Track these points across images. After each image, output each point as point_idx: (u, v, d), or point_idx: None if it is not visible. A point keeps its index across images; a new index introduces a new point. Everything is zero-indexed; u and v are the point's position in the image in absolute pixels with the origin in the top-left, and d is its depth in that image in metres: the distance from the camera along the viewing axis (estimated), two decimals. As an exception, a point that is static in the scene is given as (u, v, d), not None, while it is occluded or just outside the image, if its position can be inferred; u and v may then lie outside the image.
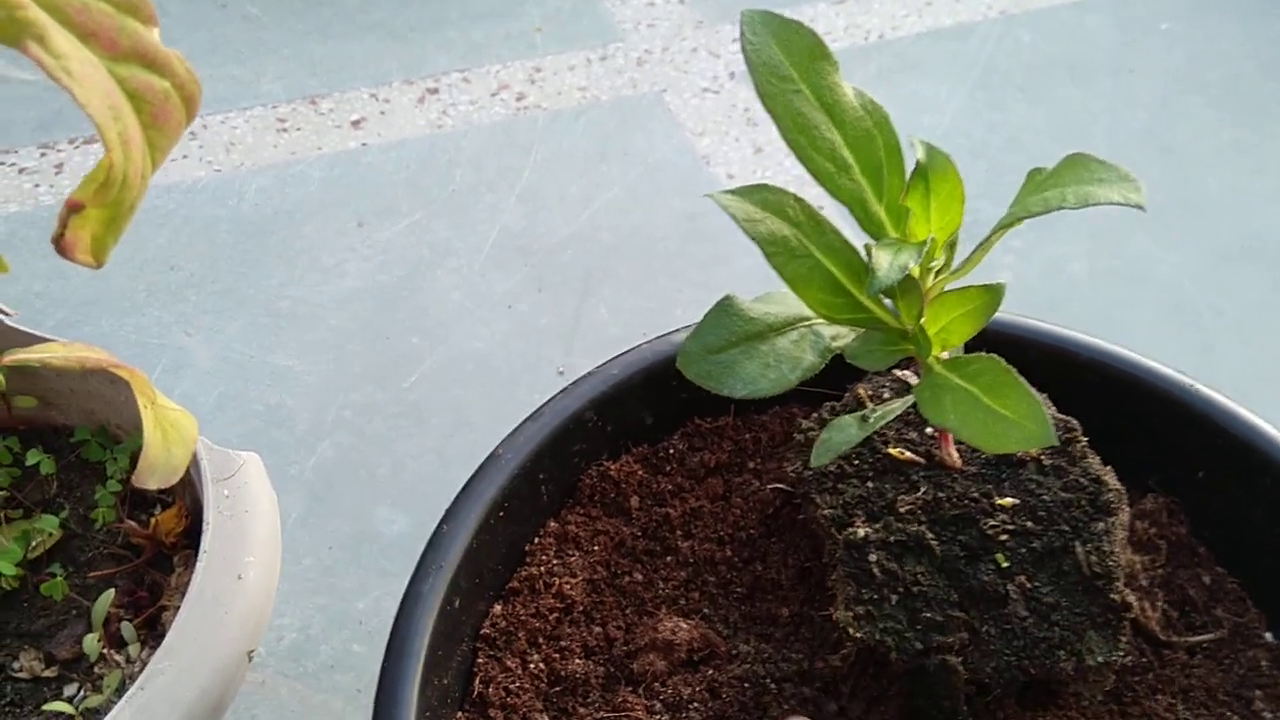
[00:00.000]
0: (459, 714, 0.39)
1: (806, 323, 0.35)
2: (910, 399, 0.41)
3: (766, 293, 0.36)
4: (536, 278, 0.83)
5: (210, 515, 0.46)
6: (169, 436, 0.37)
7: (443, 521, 0.40)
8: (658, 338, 0.46)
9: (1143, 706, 0.41)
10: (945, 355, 0.35)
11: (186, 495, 0.52)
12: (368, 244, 0.85)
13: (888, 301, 0.35)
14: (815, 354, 0.34)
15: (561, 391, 0.44)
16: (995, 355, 0.32)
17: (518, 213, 0.88)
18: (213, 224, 0.87)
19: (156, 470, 0.37)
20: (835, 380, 0.45)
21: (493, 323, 0.80)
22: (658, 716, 0.39)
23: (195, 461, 0.48)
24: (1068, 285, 0.83)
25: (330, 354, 0.78)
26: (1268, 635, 0.43)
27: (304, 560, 0.67)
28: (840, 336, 0.35)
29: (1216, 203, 0.88)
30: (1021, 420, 0.30)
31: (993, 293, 0.33)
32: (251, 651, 0.43)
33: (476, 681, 0.40)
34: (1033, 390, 0.31)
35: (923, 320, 0.35)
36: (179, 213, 0.88)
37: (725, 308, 0.34)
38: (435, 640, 0.37)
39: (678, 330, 0.46)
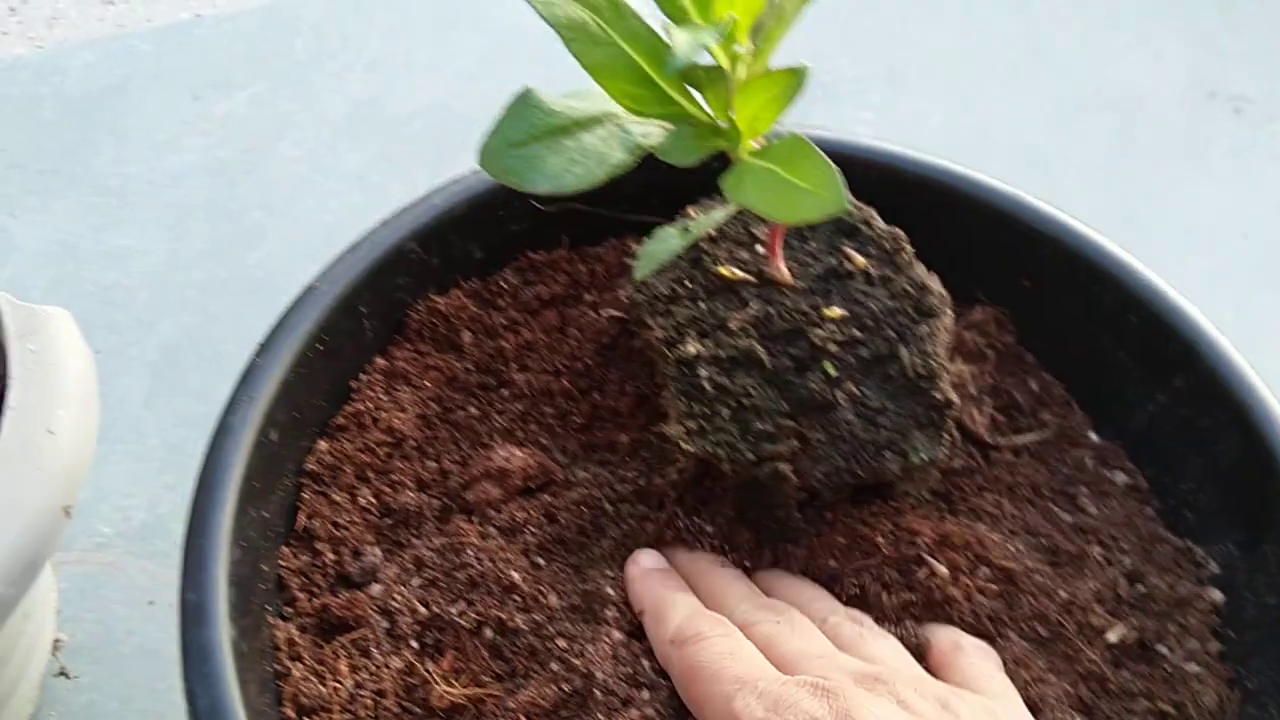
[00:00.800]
0: (284, 548, 0.38)
1: (615, 119, 0.34)
2: (733, 208, 0.41)
3: (573, 89, 0.34)
4: (386, 150, 0.80)
5: (15, 371, 0.43)
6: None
7: (255, 355, 0.38)
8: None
9: (970, 504, 0.42)
10: (755, 145, 0.34)
11: (-2, 361, 0.49)
12: (204, 118, 0.81)
13: (697, 95, 0.34)
14: (624, 150, 0.33)
15: (381, 223, 0.42)
16: (798, 134, 0.32)
17: (364, 83, 0.84)
18: (35, 102, 0.81)
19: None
20: (671, 211, 0.44)
21: (341, 195, 0.77)
22: (492, 540, 0.39)
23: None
24: (925, 139, 0.83)
25: (168, 232, 0.74)
26: (1092, 435, 0.44)
27: (149, 440, 0.65)
28: (650, 134, 0.34)
29: (1067, 55, 0.89)
30: (816, 189, 0.30)
31: (796, 75, 0.32)
32: (68, 507, 0.41)
33: (301, 516, 0.39)
34: (828, 161, 0.30)
35: (732, 112, 0.34)
36: (-3, 92, 0.82)
37: (525, 100, 0.33)
38: (250, 472, 0.36)
39: (505, 160, 0.45)
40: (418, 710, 0.35)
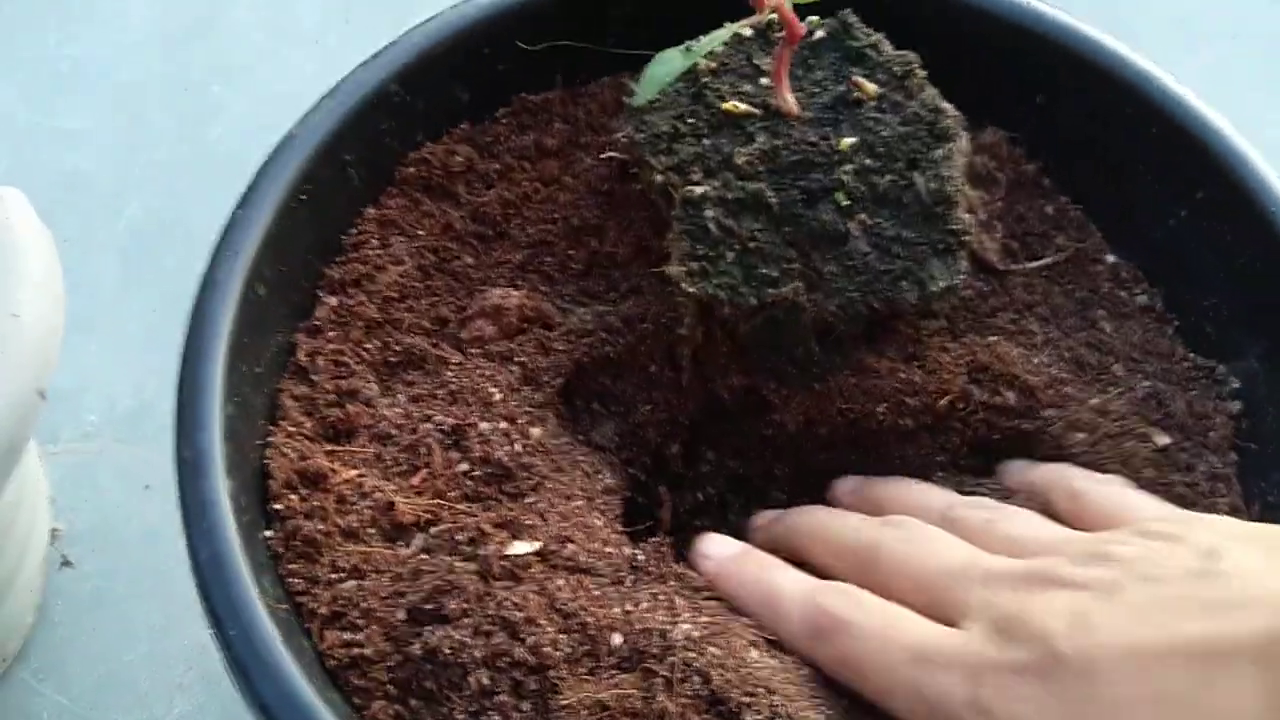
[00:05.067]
0: (284, 380, 0.37)
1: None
2: (734, 26, 0.38)
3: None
4: (343, 8, 0.76)
5: (-29, 255, 0.41)
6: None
7: (236, 207, 0.36)
8: (464, 1, 0.41)
9: (985, 326, 0.41)
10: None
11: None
12: (150, -14, 0.76)
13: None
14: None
15: (359, 65, 0.40)
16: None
17: (318, -61, 0.79)
18: (-34, -20, 0.76)
19: None
20: (664, 45, 0.41)
21: (301, 62, 0.73)
22: (481, 370, 0.38)
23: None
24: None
25: (124, 111, 0.71)
26: (1110, 257, 0.43)
27: (128, 325, 0.63)
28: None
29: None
30: None
31: None
32: (42, 390, 0.40)
33: (299, 358, 0.37)
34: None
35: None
36: (-77, -30, 0.76)
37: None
38: (240, 328, 0.34)
39: (486, -6, 0.42)
40: (387, 526, 0.34)
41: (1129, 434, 0.39)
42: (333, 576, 0.33)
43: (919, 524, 0.34)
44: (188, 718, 0.50)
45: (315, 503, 0.34)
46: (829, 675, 0.31)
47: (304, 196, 0.37)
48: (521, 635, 0.32)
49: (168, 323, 0.62)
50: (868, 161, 0.39)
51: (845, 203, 0.39)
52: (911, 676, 0.28)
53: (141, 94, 0.71)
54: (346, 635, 0.32)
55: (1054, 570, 0.29)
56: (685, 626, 0.32)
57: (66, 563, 0.54)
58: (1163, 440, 0.39)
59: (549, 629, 0.32)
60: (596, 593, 0.33)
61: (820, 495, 0.41)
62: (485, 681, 0.31)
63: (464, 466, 0.36)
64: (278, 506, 0.34)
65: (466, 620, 0.32)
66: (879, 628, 0.30)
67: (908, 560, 0.32)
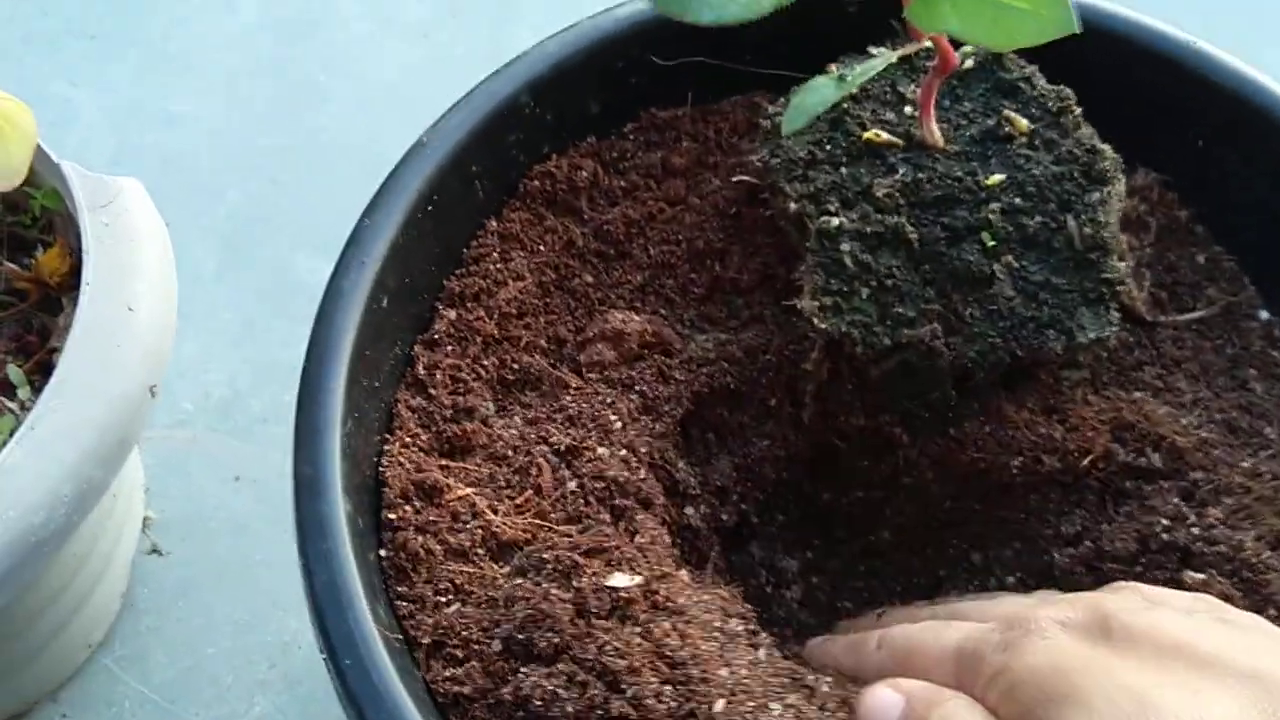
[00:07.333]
0: (400, 391, 0.36)
1: (778, -55, 0.30)
2: (889, 56, 0.37)
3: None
4: (449, 1, 0.75)
5: (90, 245, 0.40)
6: (4, 133, 0.31)
7: (364, 215, 0.35)
8: (601, 13, 0.40)
9: (1130, 379, 0.38)
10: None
11: (69, 233, 0.46)
12: (262, -28, 0.76)
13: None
14: (791, -22, 0.29)
15: (492, 74, 0.38)
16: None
17: (427, -67, 0.79)
18: (83, -42, 0.77)
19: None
20: (799, 65, 0.39)
21: (406, 53, 0.73)
22: (601, 396, 0.36)
23: (69, 192, 0.43)
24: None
25: (230, 95, 0.71)
26: (1263, 313, 0.41)
27: (224, 314, 0.63)
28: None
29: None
30: (1035, 7, 0.26)
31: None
32: (154, 386, 0.39)
33: (416, 373, 0.36)
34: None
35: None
36: (43, -53, 0.77)
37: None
38: (361, 340, 0.33)
39: (623, 4, 0.40)
40: (495, 547, 0.33)
41: (1272, 504, 0.36)
42: (439, 599, 0.32)
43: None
44: (268, 717, 0.50)
45: (429, 516, 0.33)
46: None
47: (430, 207, 0.36)
48: (623, 686, 0.29)
49: (263, 313, 0.63)
50: (1017, 201, 0.37)
51: (991, 243, 0.37)
52: None
53: (247, 80, 0.71)
54: (449, 671, 0.31)
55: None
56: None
57: (156, 550, 0.54)
58: None
59: (653, 680, 0.30)
60: (704, 645, 0.31)
61: (931, 547, 0.40)
62: None
63: (573, 485, 0.35)
64: (391, 516, 0.33)
65: (560, 665, 0.30)
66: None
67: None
